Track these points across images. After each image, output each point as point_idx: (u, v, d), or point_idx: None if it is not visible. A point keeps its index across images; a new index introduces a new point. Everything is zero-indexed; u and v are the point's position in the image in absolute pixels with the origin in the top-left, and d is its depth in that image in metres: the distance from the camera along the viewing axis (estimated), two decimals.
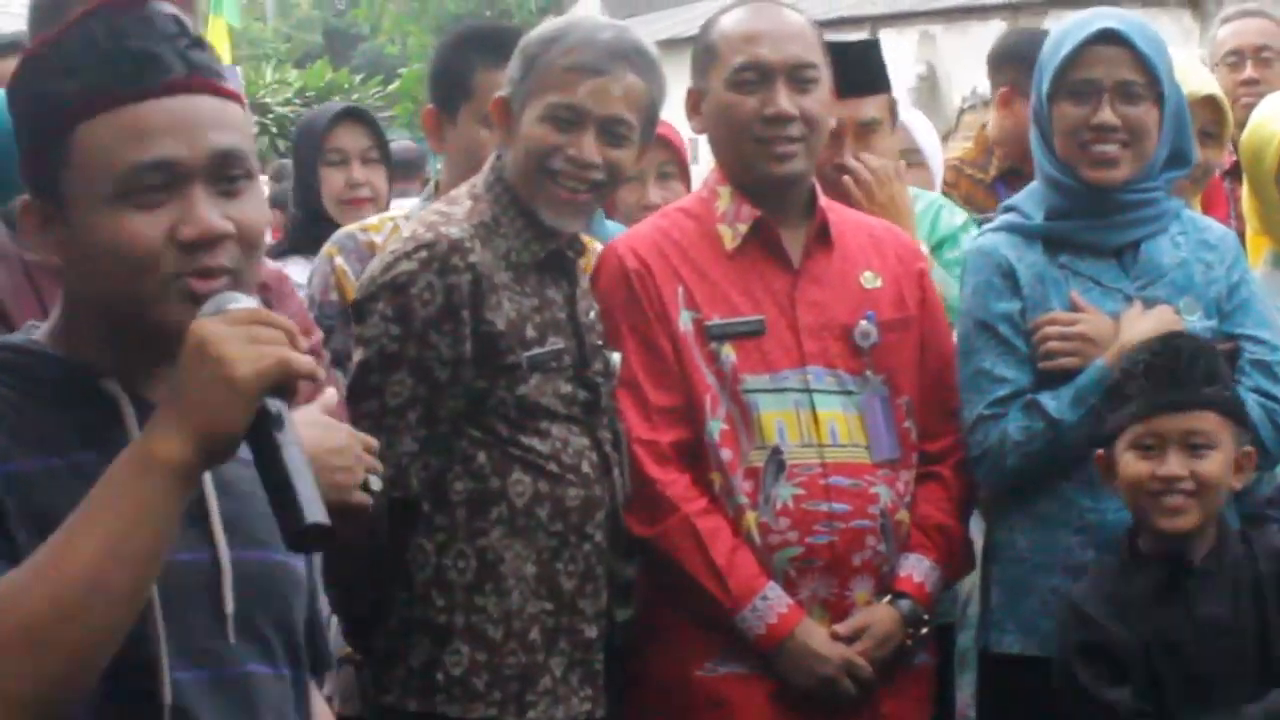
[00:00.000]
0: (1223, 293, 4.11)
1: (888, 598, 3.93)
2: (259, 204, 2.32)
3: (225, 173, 2.25)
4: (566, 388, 3.73)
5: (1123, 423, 3.78)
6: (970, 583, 4.32)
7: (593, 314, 3.85)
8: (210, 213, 2.24)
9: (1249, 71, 6.03)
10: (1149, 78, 4.01)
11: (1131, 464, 3.76)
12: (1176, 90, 4.09)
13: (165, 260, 2.23)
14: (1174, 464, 3.74)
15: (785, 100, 3.91)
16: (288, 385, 2.15)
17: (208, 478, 2.26)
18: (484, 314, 3.63)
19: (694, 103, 4.04)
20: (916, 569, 3.96)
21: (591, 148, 3.68)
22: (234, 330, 2.13)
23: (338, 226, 4.76)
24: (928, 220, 4.70)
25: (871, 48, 4.72)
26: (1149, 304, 4.03)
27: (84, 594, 2.10)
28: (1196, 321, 4.05)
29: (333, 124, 4.95)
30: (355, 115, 5.06)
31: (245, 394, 2.12)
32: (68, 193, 2.24)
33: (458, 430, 3.65)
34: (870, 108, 4.53)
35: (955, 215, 4.81)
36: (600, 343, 3.85)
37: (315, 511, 2.10)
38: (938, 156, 5.20)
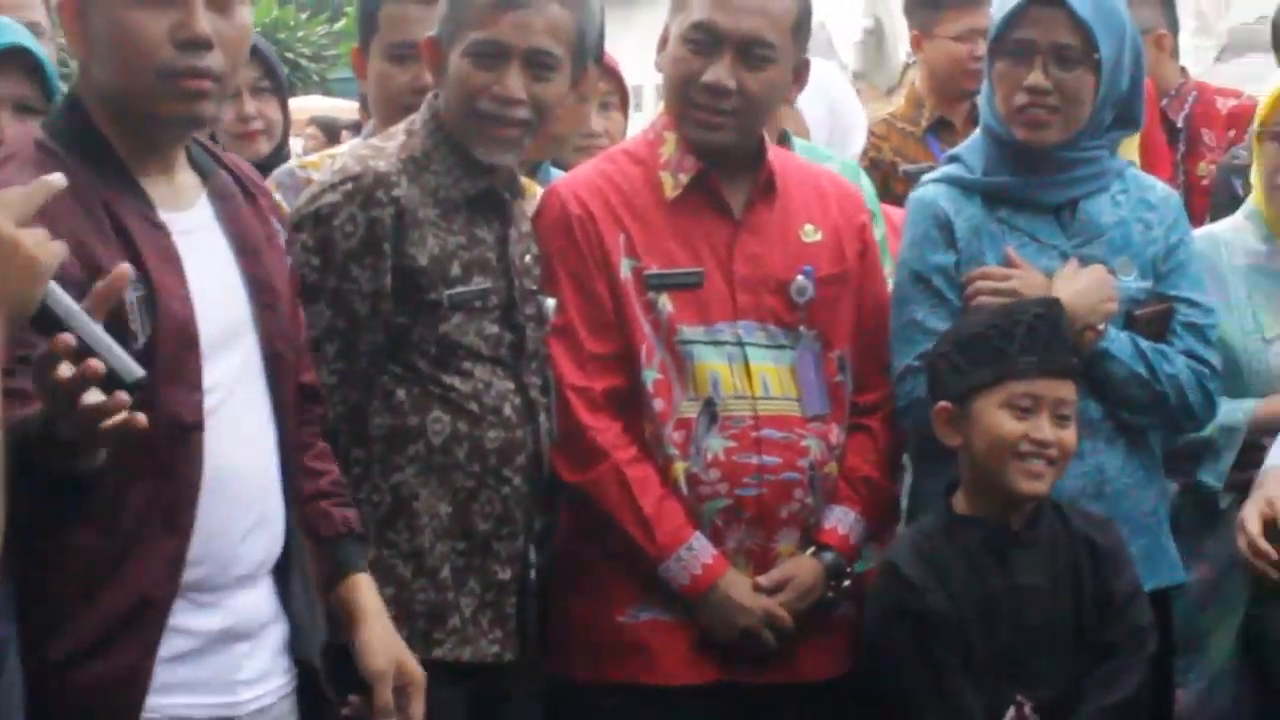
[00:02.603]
0: (1160, 253, 4.11)
1: (811, 550, 3.94)
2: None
3: None
4: (492, 329, 3.70)
5: (994, 379, 3.76)
6: None
7: (529, 257, 3.82)
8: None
9: None
10: (1086, 43, 3.99)
11: (1005, 422, 3.75)
12: (1129, 51, 4.07)
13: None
14: (1047, 429, 3.74)
15: (725, 72, 3.88)
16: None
17: None
18: (406, 249, 3.60)
19: (662, 41, 4.02)
20: (841, 521, 3.97)
21: (516, 84, 3.65)
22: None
23: None
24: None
25: None
26: (1085, 262, 4.03)
27: None
28: (1132, 281, 4.06)
29: None
30: None
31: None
32: None
33: (378, 365, 3.63)
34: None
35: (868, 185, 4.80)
36: (534, 287, 3.82)
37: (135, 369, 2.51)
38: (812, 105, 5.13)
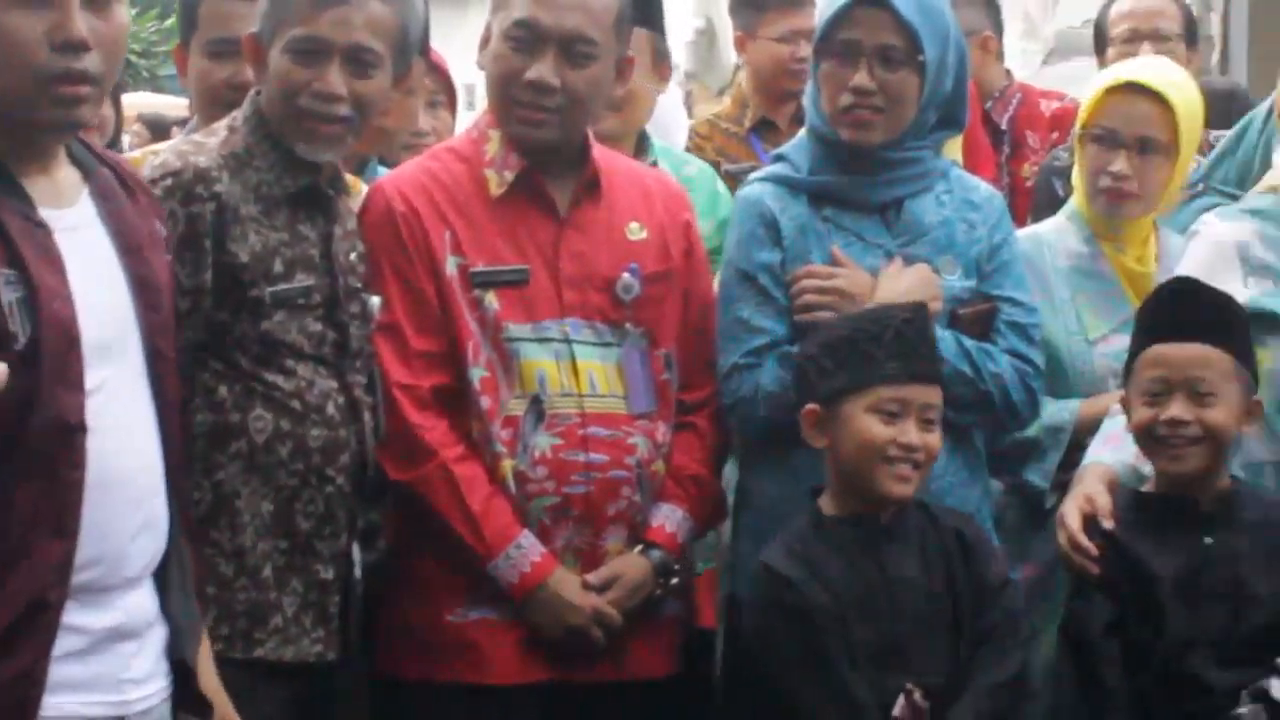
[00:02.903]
0: (984, 253, 4.14)
1: (639, 547, 3.94)
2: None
3: None
4: (315, 327, 3.68)
5: (863, 383, 3.77)
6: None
7: (354, 255, 3.80)
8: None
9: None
10: (910, 44, 4.02)
11: (873, 426, 3.75)
12: (953, 52, 4.10)
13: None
14: (914, 434, 3.76)
15: (549, 69, 3.89)
16: None
17: None
18: (227, 245, 3.58)
19: (485, 39, 4.01)
20: (669, 519, 3.97)
21: (337, 80, 3.65)
22: None
23: None
24: (704, 192, 4.72)
25: None
26: (909, 261, 4.06)
27: None
28: (956, 281, 4.09)
29: None
30: None
31: None
32: None
33: (199, 362, 3.59)
34: None
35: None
36: (359, 285, 3.80)
37: None
38: None
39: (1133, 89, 4.41)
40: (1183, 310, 3.85)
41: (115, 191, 2.97)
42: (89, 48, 2.79)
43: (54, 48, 2.77)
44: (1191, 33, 5.97)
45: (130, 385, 2.91)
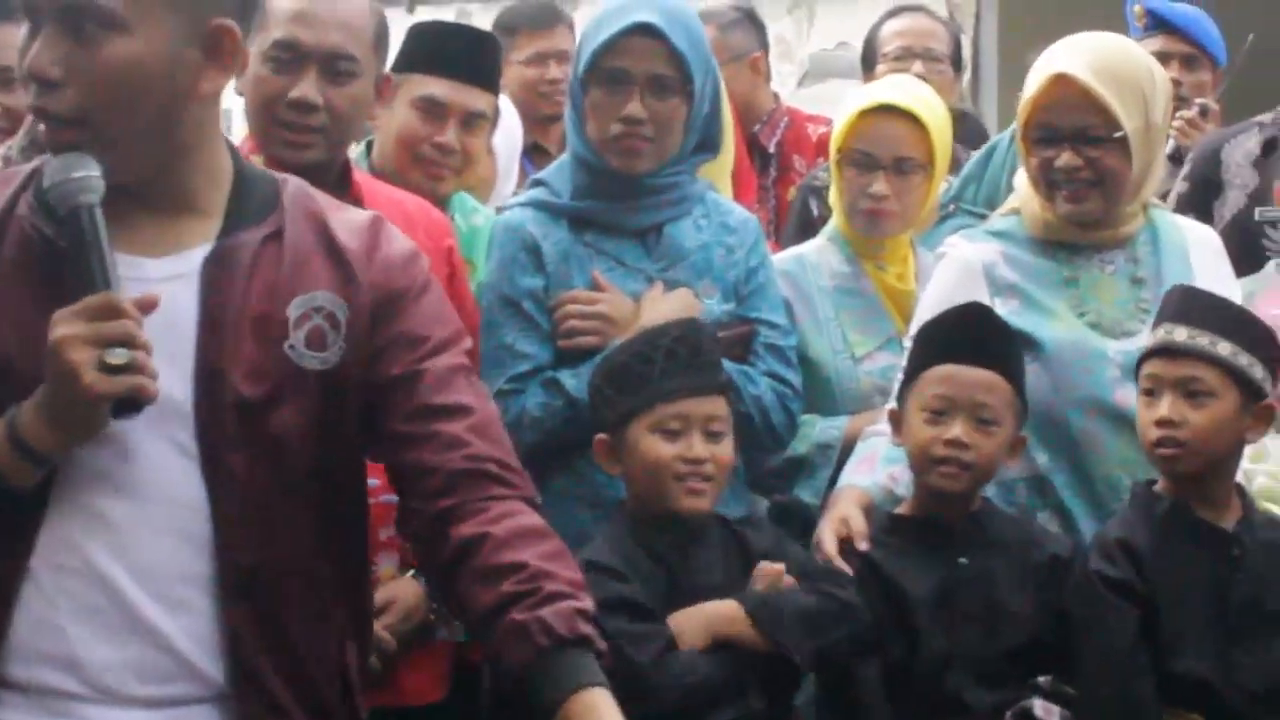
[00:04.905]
0: (741, 276, 4.19)
1: (411, 572, 3.95)
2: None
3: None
4: None
5: (642, 405, 3.76)
6: None
7: None
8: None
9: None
10: (681, 73, 4.06)
11: (657, 445, 3.74)
12: (711, 78, 4.15)
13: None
14: (699, 447, 3.73)
15: (312, 88, 3.88)
16: None
17: None
18: None
19: (241, 64, 3.98)
20: None
21: None
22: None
23: None
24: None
25: (495, 46, 4.68)
26: (670, 286, 4.10)
27: None
28: (715, 304, 4.12)
29: None
30: None
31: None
32: None
33: None
34: (480, 101, 4.51)
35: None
36: None
37: None
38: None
39: (886, 110, 4.49)
40: (975, 335, 3.88)
41: (237, 261, 2.70)
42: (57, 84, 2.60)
43: None
44: (958, 56, 6.07)
45: (158, 467, 2.63)
